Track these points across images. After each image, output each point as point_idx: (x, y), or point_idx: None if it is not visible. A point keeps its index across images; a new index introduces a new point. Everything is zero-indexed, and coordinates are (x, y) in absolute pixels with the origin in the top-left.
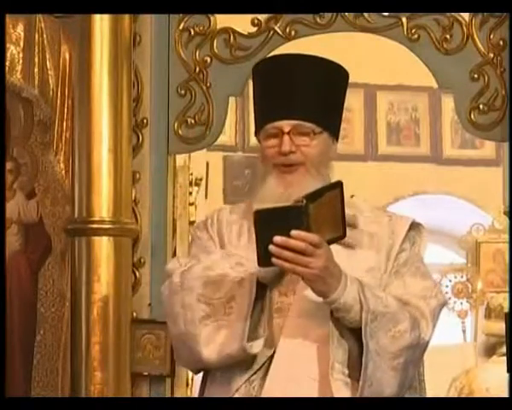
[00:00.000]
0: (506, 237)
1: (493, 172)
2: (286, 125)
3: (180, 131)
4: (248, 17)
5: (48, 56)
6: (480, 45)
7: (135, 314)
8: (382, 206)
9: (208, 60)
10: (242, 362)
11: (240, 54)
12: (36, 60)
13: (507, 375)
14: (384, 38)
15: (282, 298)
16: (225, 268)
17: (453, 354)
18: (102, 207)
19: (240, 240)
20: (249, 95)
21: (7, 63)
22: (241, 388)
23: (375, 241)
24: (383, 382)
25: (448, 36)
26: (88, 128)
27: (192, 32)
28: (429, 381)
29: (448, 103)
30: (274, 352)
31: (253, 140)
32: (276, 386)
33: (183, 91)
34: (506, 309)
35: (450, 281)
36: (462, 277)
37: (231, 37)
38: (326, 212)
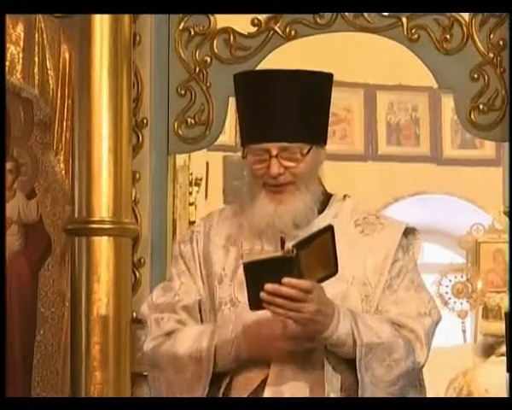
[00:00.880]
0: (506, 237)
1: (493, 172)
2: (273, 147)
3: (180, 131)
4: (248, 17)
5: (48, 56)
6: (479, 45)
7: (135, 314)
8: (382, 205)
9: (208, 60)
10: None
11: (240, 54)
12: (36, 60)
13: (506, 375)
14: (384, 37)
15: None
16: (189, 339)
17: (453, 354)
18: (102, 207)
19: (228, 256)
20: None
21: (7, 63)
22: None
23: (364, 255)
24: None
25: (448, 36)
26: (88, 128)
27: (192, 32)
28: (430, 381)
29: (448, 103)
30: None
31: None
32: None
33: (183, 91)
34: (504, 309)
35: (450, 281)
36: (462, 277)
37: (231, 37)
38: (317, 255)
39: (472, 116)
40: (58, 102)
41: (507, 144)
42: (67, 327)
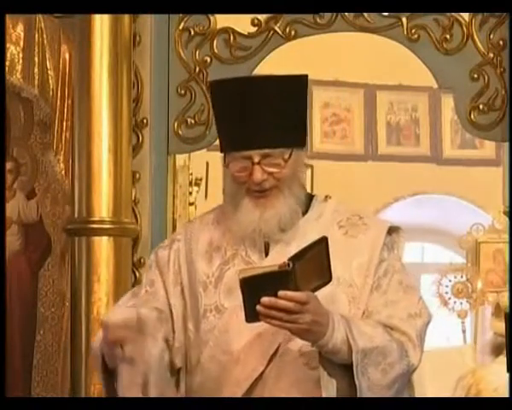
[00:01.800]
0: (506, 237)
1: (493, 172)
2: (255, 154)
3: (180, 131)
4: (248, 17)
5: (48, 56)
6: (479, 45)
7: None
8: (382, 206)
9: (208, 60)
10: None
11: (240, 54)
12: (36, 60)
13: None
14: (384, 37)
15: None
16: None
17: (454, 354)
18: (102, 207)
19: (211, 263)
20: None
21: (7, 63)
22: None
23: (349, 257)
24: None
25: (448, 36)
26: (88, 128)
27: (192, 32)
28: (430, 381)
29: (448, 103)
30: None
31: None
32: None
33: (183, 91)
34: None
35: (450, 281)
36: (462, 277)
37: (231, 37)
38: (312, 266)
39: (472, 116)
40: (58, 102)
41: (507, 144)
42: (67, 327)
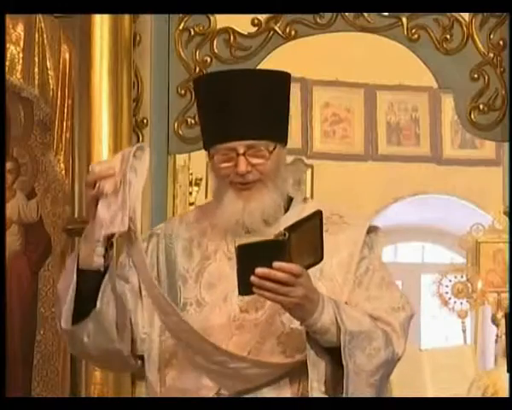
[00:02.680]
0: (506, 237)
1: (493, 172)
2: (240, 146)
3: (180, 131)
4: (248, 17)
5: (48, 56)
6: (479, 45)
7: None
8: (382, 206)
9: (208, 60)
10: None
11: (240, 54)
12: (36, 60)
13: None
14: (384, 37)
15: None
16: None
17: (454, 354)
18: None
19: (191, 258)
20: None
21: (7, 63)
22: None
23: (330, 252)
24: None
25: (448, 36)
26: (88, 128)
27: (192, 32)
28: (430, 381)
29: (448, 103)
30: None
31: None
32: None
33: (183, 91)
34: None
35: (450, 281)
36: (462, 277)
37: (231, 37)
38: (305, 240)
39: (472, 116)
40: (58, 102)
41: (507, 144)
42: None
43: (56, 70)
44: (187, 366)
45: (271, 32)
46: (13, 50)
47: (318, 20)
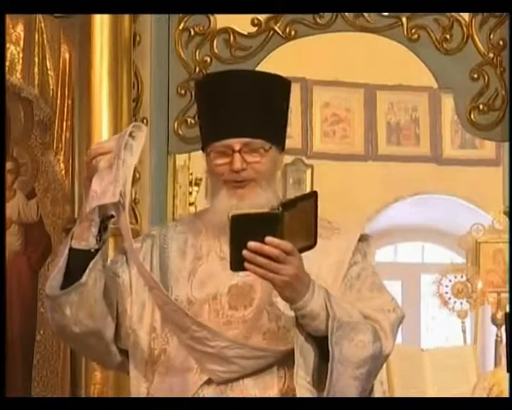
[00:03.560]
0: (506, 237)
1: (493, 172)
2: (236, 143)
3: (180, 131)
4: (248, 17)
5: (48, 56)
6: (479, 45)
7: None
8: (382, 206)
9: (208, 60)
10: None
11: (240, 54)
12: (36, 60)
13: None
14: (384, 37)
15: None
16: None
17: (454, 354)
18: None
19: (184, 258)
20: None
21: (7, 63)
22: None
23: (320, 255)
24: (345, 391)
25: (448, 36)
26: (88, 128)
27: (192, 32)
28: (430, 381)
29: (448, 103)
30: None
31: None
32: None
33: (183, 91)
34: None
35: (450, 281)
36: (462, 277)
37: (231, 37)
38: (299, 221)
39: (472, 116)
40: (58, 102)
41: (507, 144)
42: None
43: (56, 70)
44: (174, 360)
45: (271, 32)
46: (13, 50)
47: (318, 20)
